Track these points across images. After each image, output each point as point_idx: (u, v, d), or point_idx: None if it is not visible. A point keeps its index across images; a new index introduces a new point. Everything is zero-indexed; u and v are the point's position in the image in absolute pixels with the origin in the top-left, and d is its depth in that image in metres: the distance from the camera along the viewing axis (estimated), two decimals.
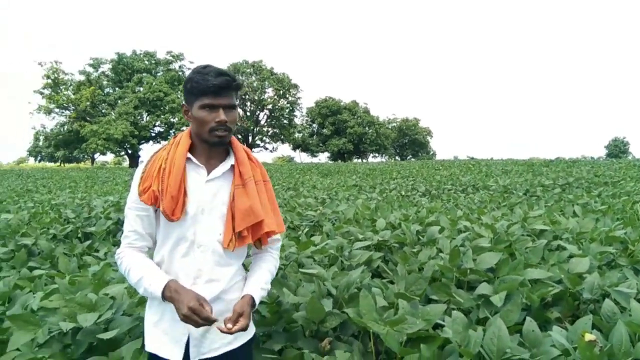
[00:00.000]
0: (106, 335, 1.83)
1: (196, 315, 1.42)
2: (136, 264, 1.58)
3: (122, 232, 1.65)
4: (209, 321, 1.44)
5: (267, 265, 1.70)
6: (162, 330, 1.58)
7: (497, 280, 2.33)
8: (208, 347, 1.57)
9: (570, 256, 2.76)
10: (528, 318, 1.80)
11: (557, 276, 2.43)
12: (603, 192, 8.56)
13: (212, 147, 1.62)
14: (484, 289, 2.24)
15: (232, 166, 1.63)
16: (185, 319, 1.44)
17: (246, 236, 1.58)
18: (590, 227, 3.45)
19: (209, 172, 1.61)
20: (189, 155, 1.61)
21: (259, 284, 1.62)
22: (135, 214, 1.60)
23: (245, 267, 1.77)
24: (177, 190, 1.53)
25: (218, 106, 1.54)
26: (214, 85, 1.51)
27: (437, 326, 1.97)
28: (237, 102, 1.63)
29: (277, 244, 1.78)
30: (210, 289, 1.57)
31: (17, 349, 1.93)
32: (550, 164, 24.55)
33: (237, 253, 1.64)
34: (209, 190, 1.59)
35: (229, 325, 1.46)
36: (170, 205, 1.53)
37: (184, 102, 1.63)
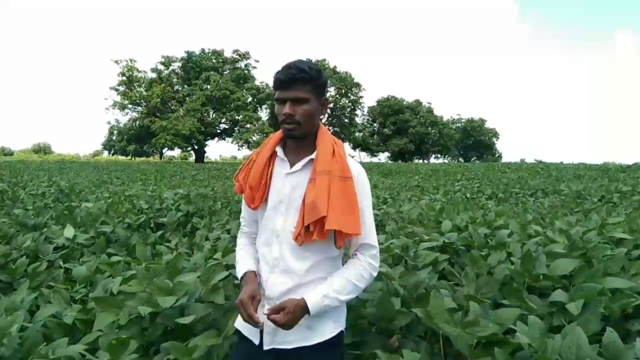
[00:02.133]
0: (185, 320, 1.91)
1: (242, 309, 1.53)
2: (239, 250, 1.82)
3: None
4: (252, 320, 1.51)
5: (348, 272, 1.62)
6: None
7: (572, 288, 2.23)
8: (281, 339, 1.60)
9: None
10: (609, 328, 1.70)
11: (639, 287, 2.29)
12: None
13: (294, 141, 1.68)
14: (558, 296, 2.15)
15: (312, 160, 1.63)
16: (237, 307, 1.57)
17: (313, 231, 1.55)
18: None
19: (292, 166, 1.66)
20: (278, 149, 1.69)
21: (324, 291, 1.55)
22: (243, 201, 1.78)
23: None
24: (257, 181, 1.65)
25: (285, 99, 1.59)
26: (278, 79, 1.58)
27: (507, 332, 1.91)
28: (315, 96, 1.61)
29: (370, 251, 1.65)
30: (286, 279, 1.61)
31: (100, 330, 2.06)
32: (627, 169, 23.11)
33: (315, 248, 1.61)
34: (288, 183, 1.64)
35: (266, 310, 1.54)
36: (249, 194, 1.68)
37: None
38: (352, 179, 1.61)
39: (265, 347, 1.61)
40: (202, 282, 2.32)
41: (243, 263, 1.73)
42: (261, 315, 1.57)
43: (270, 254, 1.65)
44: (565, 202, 7.83)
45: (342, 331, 1.70)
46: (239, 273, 1.71)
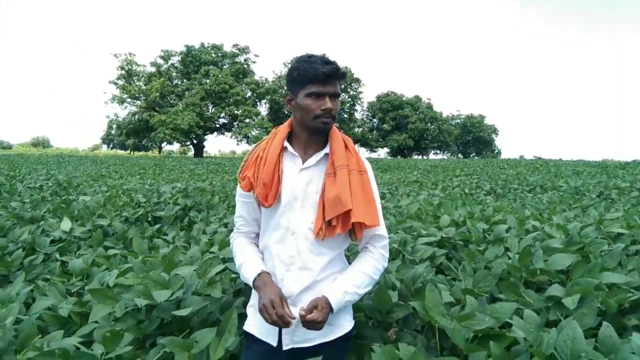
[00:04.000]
0: (181, 313, 1.90)
1: (273, 309, 1.47)
2: (240, 251, 1.74)
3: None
4: (283, 320, 1.47)
5: (363, 266, 1.65)
6: (254, 311, 1.67)
7: (569, 282, 2.22)
8: (302, 337, 1.60)
9: None
10: (605, 322, 1.70)
11: (636, 282, 2.29)
12: None
13: (311, 136, 1.65)
14: (555, 290, 2.14)
15: (327, 155, 1.64)
16: (263, 309, 1.50)
17: (336, 226, 1.56)
18: None
19: (304, 161, 1.64)
20: (286, 144, 1.66)
21: (344, 287, 1.58)
22: (241, 200, 1.75)
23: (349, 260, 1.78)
24: (270, 177, 1.59)
25: (325, 94, 1.56)
26: (322, 73, 1.53)
27: (503, 326, 1.91)
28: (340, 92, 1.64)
29: (381, 242, 1.70)
30: (303, 277, 1.60)
31: (96, 322, 2.06)
32: (626, 166, 23.13)
33: (332, 243, 1.63)
34: (302, 179, 1.62)
35: (301, 313, 1.48)
36: (263, 192, 1.60)
37: (287, 92, 1.66)
38: (367, 173, 1.67)
39: (285, 347, 1.59)
40: (199, 275, 2.31)
41: (252, 264, 1.66)
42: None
43: (285, 251, 1.62)
44: (563, 198, 7.83)
45: (355, 323, 1.76)
46: (250, 274, 1.63)
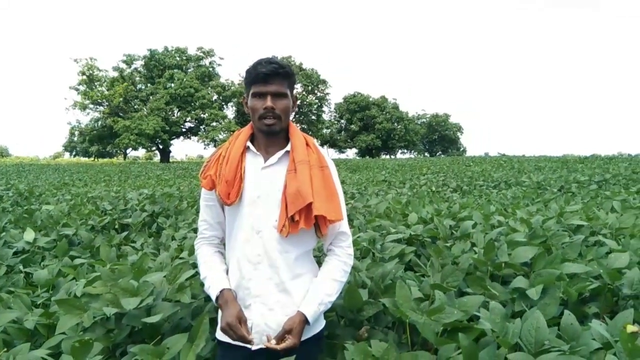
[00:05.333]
0: (151, 320, 1.88)
1: (232, 331, 1.51)
2: (204, 262, 1.74)
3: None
4: (244, 340, 1.51)
5: (332, 273, 1.68)
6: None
7: (533, 274, 2.30)
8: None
9: (609, 252, 2.70)
10: (566, 311, 1.77)
11: (596, 271, 2.38)
12: None
13: (268, 137, 1.67)
14: (519, 282, 2.22)
15: (288, 152, 1.66)
16: (223, 331, 1.54)
17: (299, 221, 1.58)
18: (631, 223, 3.37)
19: (265, 160, 1.66)
20: (248, 144, 1.68)
21: (318, 299, 1.61)
22: (204, 204, 1.75)
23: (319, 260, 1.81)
24: (232, 175, 1.61)
25: (266, 93, 1.59)
26: (262, 73, 1.57)
27: (471, 319, 1.96)
28: (290, 92, 1.66)
29: (346, 241, 1.73)
30: (271, 275, 1.61)
31: (64, 333, 2.01)
32: (585, 160, 23.93)
33: (298, 240, 1.64)
34: (265, 177, 1.64)
35: (273, 342, 1.50)
36: (225, 189, 1.61)
37: (243, 95, 1.71)
38: (329, 168, 1.70)
39: (255, 347, 1.58)
40: (169, 281, 2.29)
41: (215, 280, 1.65)
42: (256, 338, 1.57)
43: (252, 250, 1.62)
44: (526, 193, 8.05)
45: (326, 322, 1.79)
46: (213, 291, 1.63)
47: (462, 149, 79.02)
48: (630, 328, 1.46)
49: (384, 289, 2.15)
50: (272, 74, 1.58)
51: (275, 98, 1.60)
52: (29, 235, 3.75)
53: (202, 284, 1.73)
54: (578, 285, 2.20)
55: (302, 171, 1.60)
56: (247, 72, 1.63)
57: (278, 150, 1.68)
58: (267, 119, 1.60)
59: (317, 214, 1.57)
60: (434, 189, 10.42)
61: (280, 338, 1.51)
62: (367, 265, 2.45)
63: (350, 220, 4.56)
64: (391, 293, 2.03)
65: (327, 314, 2.14)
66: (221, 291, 1.61)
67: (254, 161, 1.67)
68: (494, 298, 2.16)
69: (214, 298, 1.62)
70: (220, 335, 1.67)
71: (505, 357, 1.53)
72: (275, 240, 1.61)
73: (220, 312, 1.65)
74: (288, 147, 1.67)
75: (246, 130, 1.73)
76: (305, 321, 1.56)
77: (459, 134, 77.73)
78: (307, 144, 1.69)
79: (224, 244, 1.81)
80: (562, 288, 2.17)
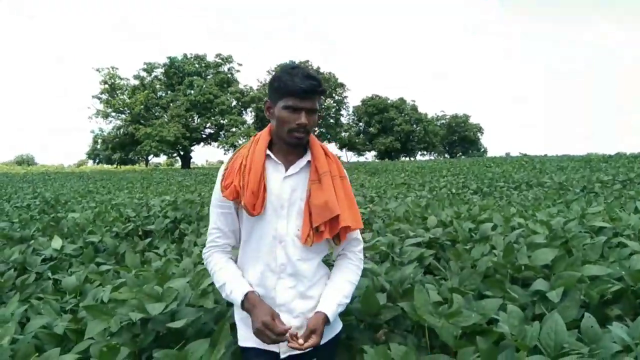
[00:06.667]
0: (175, 325, 1.93)
1: (269, 330, 1.48)
2: (220, 269, 1.68)
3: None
4: (280, 339, 1.49)
5: (348, 275, 1.71)
6: (246, 323, 1.63)
7: (553, 276, 2.29)
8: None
9: (632, 253, 2.66)
10: (587, 314, 1.77)
11: (618, 273, 2.36)
12: None
13: (291, 147, 1.66)
14: (539, 285, 2.21)
15: (309, 162, 1.67)
16: (258, 332, 1.50)
17: (324, 231, 1.61)
18: None
19: (286, 169, 1.65)
20: (268, 152, 1.66)
21: (336, 299, 1.63)
22: (219, 211, 1.69)
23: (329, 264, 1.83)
24: (257, 185, 1.58)
25: (302, 109, 1.57)
26: (300, 89, 1.54)
27: (490, 322, 1.97)
28: (319, 107, 1.66)
29: (358, 246, 1.76)
30: (294, 283, 1.64)
31: (92, 337, 2.08)
32: (609, 159, 23.46)
33: (317, 248, 1.68)
34: (287, 186, 1.63)
35: (301, 341, 1.51)
36: (251, 200, 1.57)
37: (267, 99, 1.67)
38: (347, 178, 1.73)
39: (284, 355, 1.60)
40: (192, 287, 2.34)
41: (237, 284, 1.62)
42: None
43: (275, 260, 1.63)
44: (548, 194, 7.96)
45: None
46: (237, 295, 1.59)
47: (482, 150, 78.14)
48: None
49: (402, 292, 2.17)
50: (311, 91, 1.56)
51: (308, 114, 1.59)
52: (57, 242, 3.86)
53: (219, 289, 1.69)
54: (599, 287, 2.18)
55: (327, 182, 1.62)
56: (280, 81, 1.57)
57: (297, 158, 1.68)
58: (298, 133, 1.59)
59: (344, 225, 1.61)
60: (453, 191, 10.36)
61: (306, 337, 1.53)
62: (386, 269, 2.47)
63: (369, 224, 4.57)
64: (410, 297, 2.05)
65: (345, 317, 2.17)
66: (246, 294, 1.58)
67: (275, 170, 1.65)
68: (513, 301, 2.16)
69: (238, 302, 1.59)
70: (245, 341, 1.66)
71: None
72: (299, 250, 1.63)
73: (239, 316, 1.68)
74: (308, 157, 1.68)
75: (265, 137, 1.69)
76: (326, 320, 1.58)
77: (479, 134, 76.88)
78: (326, 154, 1.70)
79: (236, 253, 1.80)
80: (583, 290, 2.16)
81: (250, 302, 1.57)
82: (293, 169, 1.65)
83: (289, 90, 1.55)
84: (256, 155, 1.63)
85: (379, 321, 2.05)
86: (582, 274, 2.25)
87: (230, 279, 1.64)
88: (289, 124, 1.58)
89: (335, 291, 1.66)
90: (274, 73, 1.65)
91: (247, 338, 1.66)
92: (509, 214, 4.20)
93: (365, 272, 2.38)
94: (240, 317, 1.70)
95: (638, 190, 7.72)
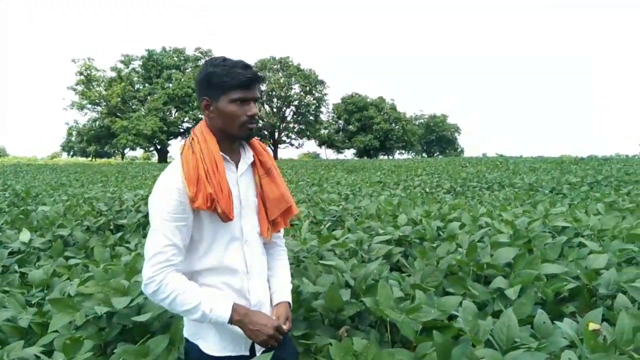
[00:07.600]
0: (141, 318, 1.95)
1: (279, 332, 1.53)
2: (186, 289, 1.47)
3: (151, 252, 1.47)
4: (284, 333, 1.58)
5: (286, 262, 1.81)
6: (223, 332, 1.56)
7: (512, 274, 2.38)
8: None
9: (590, 253, 2.77)
10: (539, 310, 1.85)
11: (574, 272, 2.45)
12: (633, 191, 8.40)
13: (235, 142, 1.61)
14: (499, 282, 2.29)
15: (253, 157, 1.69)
16: (269, 339, 1.49)
17: (279, 222, 1.69)
18: (612, 225, 3.45)
19: (237, 167, 1.62)
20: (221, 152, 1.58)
21: (289, 288, 1.74)
22: (174, 224, 1.46)
23: None
24: (227, 189, 1.50)
25: (250, 99, 1.53)
26: (248, 79, 1.49)
27: (452, 318, 2.03)
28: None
29: (282, 231, 1.82)
30: (262, 282, 1.69)
31: (56, 331, 2.08)
32: (580, 161, 24.02)
33: (264, 243, 1.75)
34: (242, 185, 1.61)
35: (285, 327, 1.59)
36: (227, 204, 1.49)
37: (203, 97, 1.55)
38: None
39: (259, 353, 1.59)
40: None
41: (216, 299, 1.49)
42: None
43: (243, 262, 1.60)
44: (518, 194, 8.13)
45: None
46: (222, 311, 1.47)
47: (459, 150, 79.14)
48: (592, 326, 1.54)
49: (366, 288, 2.22)
50: (255, 80, 1.52)
51: (254, 104, 1.56)
52: (25, 235, 3.82)
53: (187, 312, 1.48)
54: (555, 285, 2.27)
55: (276, 175, 1.68)
56: (219, 75, 1.49)
57: (238, 155, 1.63)
58: (250, 124, 1.55)
59: (297, 212, 1.70)
60: (427, 190, 10.51)
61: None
62: (352, 265, 2.52)
63: (341, 222, 4.63)
64: (373, 293, 2.10)
65: (310, 313, 2.22)
66: (234, 308, 1.48)
67: (229, 170, 1.58)
68: (474, 298, 2.24)
69: (226, 317, 1.46)
70: (214, 351, 1.56)
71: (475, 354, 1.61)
72: (259, 247, 1.68)
73: (192, 327, 1.60)
74: (249, 152, 1.64)
75: (210, 136, 1.56)
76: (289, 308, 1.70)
77: (456, 134, 77.91)
78: (262, 146, 1.71)
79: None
80: (540, 288, 2.25)
81: (240, 313, 1.49)
82: (242, 166, 1.61)
83: (234, 84, 1.49)
84: (217, 157, 1.52)
85: (342, 317, 2.10)
86: (540, 272, 2.35)
87: (205, 298, 1.47)
88: (240, 118, 1.52)
89: (286, 280, 1.76)
90: (204, 69, 1.58)
91: (219, 347, 1.57)
92: (477, 213, 4.30)
93: (330, 268, 2.43)
94: (195, 332, 1.60)
95: (603, 192, 7.95)
